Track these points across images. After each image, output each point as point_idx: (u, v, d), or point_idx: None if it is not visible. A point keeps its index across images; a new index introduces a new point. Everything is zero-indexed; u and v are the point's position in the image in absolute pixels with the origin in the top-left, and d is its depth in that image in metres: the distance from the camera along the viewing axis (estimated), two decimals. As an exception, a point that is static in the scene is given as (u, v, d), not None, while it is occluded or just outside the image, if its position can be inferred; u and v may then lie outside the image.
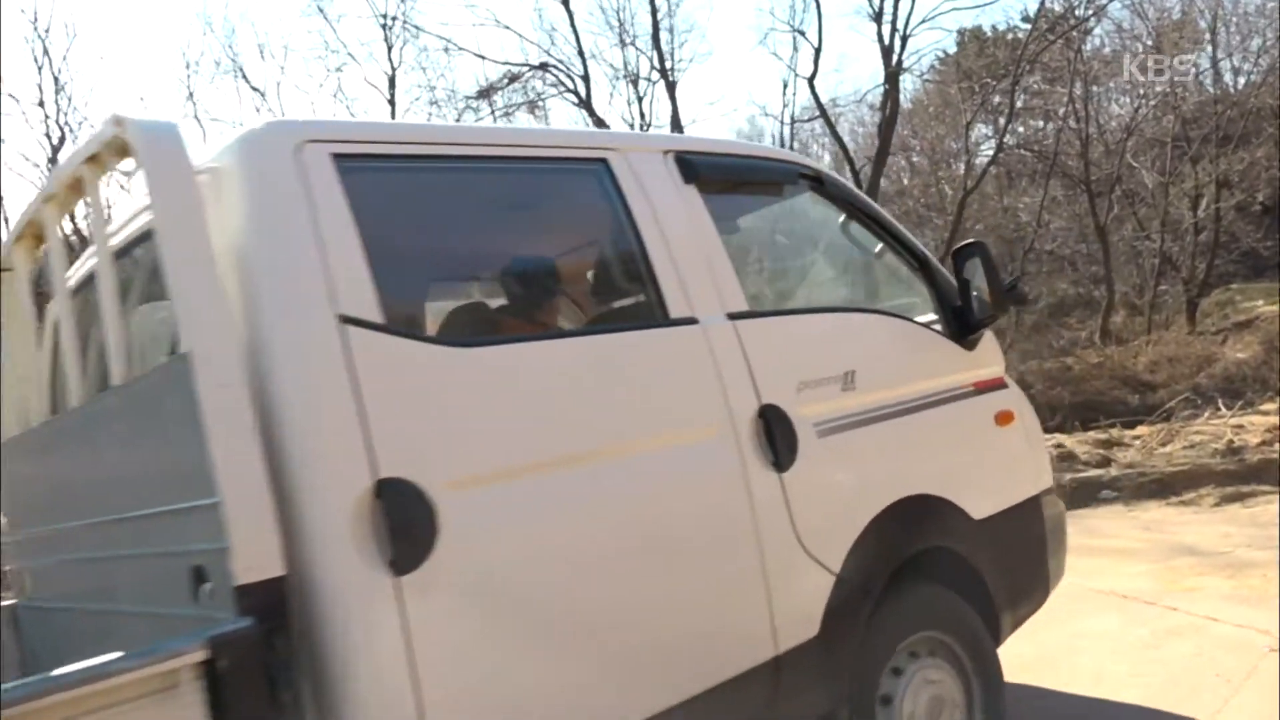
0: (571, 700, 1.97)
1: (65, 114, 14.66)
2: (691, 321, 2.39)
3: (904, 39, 14.65)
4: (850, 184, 3.14)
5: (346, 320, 1.82)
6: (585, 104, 15.00)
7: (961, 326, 3.12)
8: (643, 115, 15.95)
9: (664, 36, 15.48)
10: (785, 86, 17.88)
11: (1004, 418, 3.20)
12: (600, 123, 15.14)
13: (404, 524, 1.77)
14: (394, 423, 1.80)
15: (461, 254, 2.65)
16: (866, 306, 3.08)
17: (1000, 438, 3.17)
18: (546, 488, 2.01)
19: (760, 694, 2.33)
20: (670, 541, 2.20)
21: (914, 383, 2.92)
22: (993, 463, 3.13)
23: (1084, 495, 7.47)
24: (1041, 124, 18.52)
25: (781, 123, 16.24)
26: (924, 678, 2.73)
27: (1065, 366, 12.58)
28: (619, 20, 15.89)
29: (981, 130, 18.37)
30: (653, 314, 2.38)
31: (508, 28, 16.09)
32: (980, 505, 2.98)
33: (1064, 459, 8.19)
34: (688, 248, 2.47)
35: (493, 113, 14.92)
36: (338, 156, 1.96)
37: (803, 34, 15.49)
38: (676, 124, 15.01)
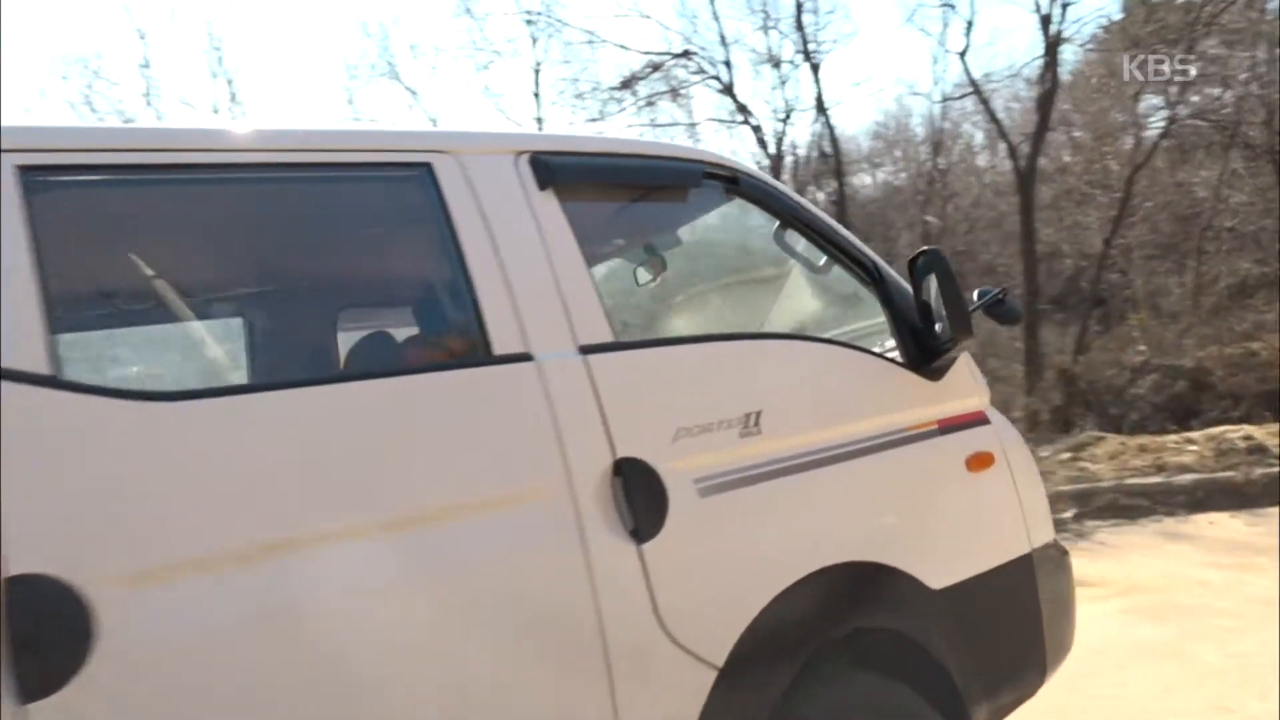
0: None
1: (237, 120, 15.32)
2: (523, 358, 1.96)
3: (1064, 6, 13.93)
4: (780, 183, 2.63)
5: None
6: (728, 90, 14.84)
7: (921, 352, 2.59)
8: (785, 100, 15.78)
9: (807, 18, 15.27)
10: (935, 63, 17.32)
11: (979, 460, 2.64)
12: (743, 109, 14.92)
13: (42, 634, 1.39)
14: (40, 501, 1.43)
15: (204, 287, 2.25)
16: (785, 332, 2.58)
17: (973, 485, 2.62)
18: (258, 582, 1.59)
19: None
20: (473, 643, 1.77)
21: (849, 423, 2.41)
22: (960, 517, 2.58)
23: (1276, 491, 6.82)
24: (1219, 92, 17.12)
25: (931, 101, 15.63)
26: None
27: (1250, 352, 11.69)
28: (762, 4, 15.63)
29: (1151, 101, 17.08)
30: (473, 351, 1.95)
31: (649, 17, 16.09)
32: (941, 571, 2.45)
33: (1253, 452, 7.52)
34: (529, 267, 2.04)
35: (635, 103, 14.99)
36: (25, 169, 1.60)
37: (953, 7, 14.96)
38: (820, 107, 14.76)
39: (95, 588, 1.43)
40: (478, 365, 1.93)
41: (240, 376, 2.21)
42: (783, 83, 15.65)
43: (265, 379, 2.00)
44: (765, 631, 2.08)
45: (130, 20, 29.02)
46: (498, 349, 1.94)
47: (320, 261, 2.29)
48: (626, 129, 15.24)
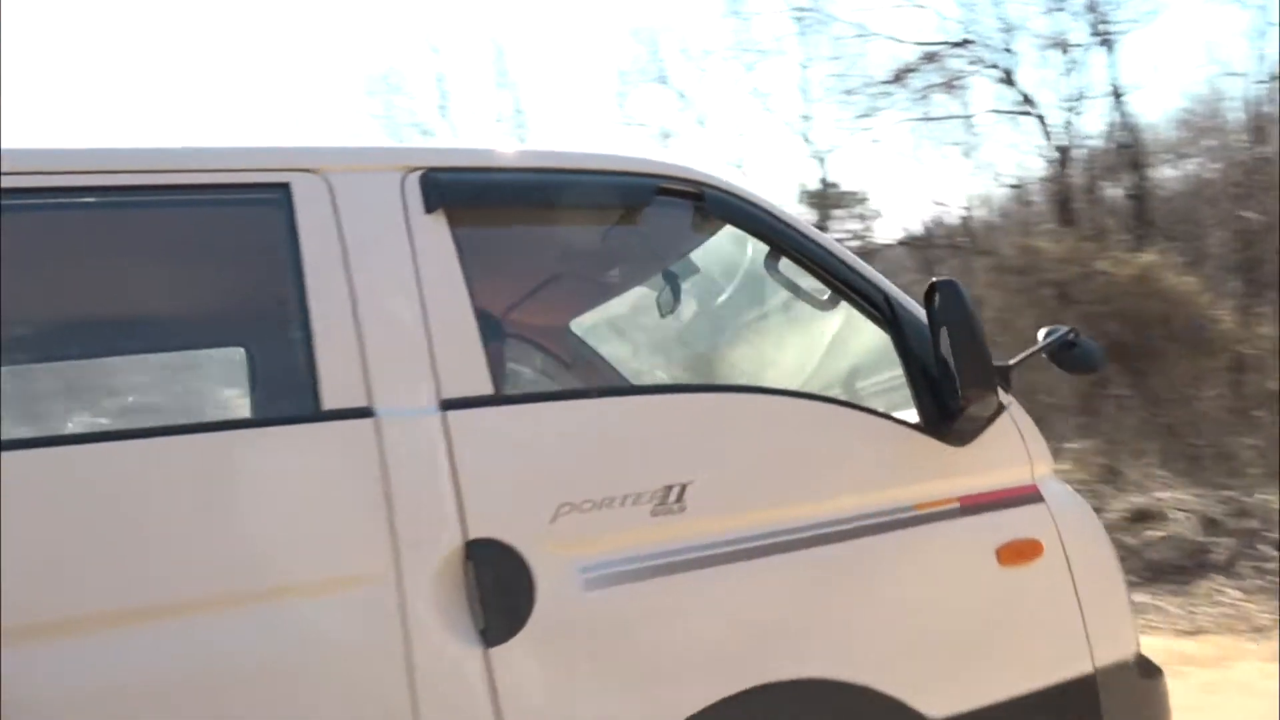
0: None
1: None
2: (360, 413, 1.63)
3: None
4: (767, 199, 2.16)
5: None
6: (1008, 78, 14.21)
7: (940, 411, 2.06)
8: (1075, 87, 14.87)
9: (1101, -3, 14.14)
10: (1255, 39, 15.73)
11: (1019, 551, 2.06)
12: (1027, 99, 14.24)
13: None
14: None
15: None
16: (736, 383, 2.11)
17: (1007, 582, 2.04)
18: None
19: None
20: None
21: (824, 498, 1.92)
22: (983, 623, 2.00)
23: None
24: None
25: (1250, 82, 14.18)
26: None
27: None
28: (1049, -17, 14.76)
29: None
30: (301, 403, 1.64)
31: (923, 6, 15.58)
32: (946, 695, 1.91)
33: None
34: (389, 305, 1.71)
35: (908, 97, 14.60)
36: None
37: (1279, -26, 13.38)
38: (1116, 93, 13.86)
39: None
40: (300, 421, 1.62)
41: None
42: (1072, 69, 14.64)
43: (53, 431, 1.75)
44: None
45: (424, 36, 31.81)
46: (329, 402, 1.62)
47: (143, 295, 2.05)
48: (897, 124, 14.59)
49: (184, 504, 1.50)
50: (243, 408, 1.93)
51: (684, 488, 1.77)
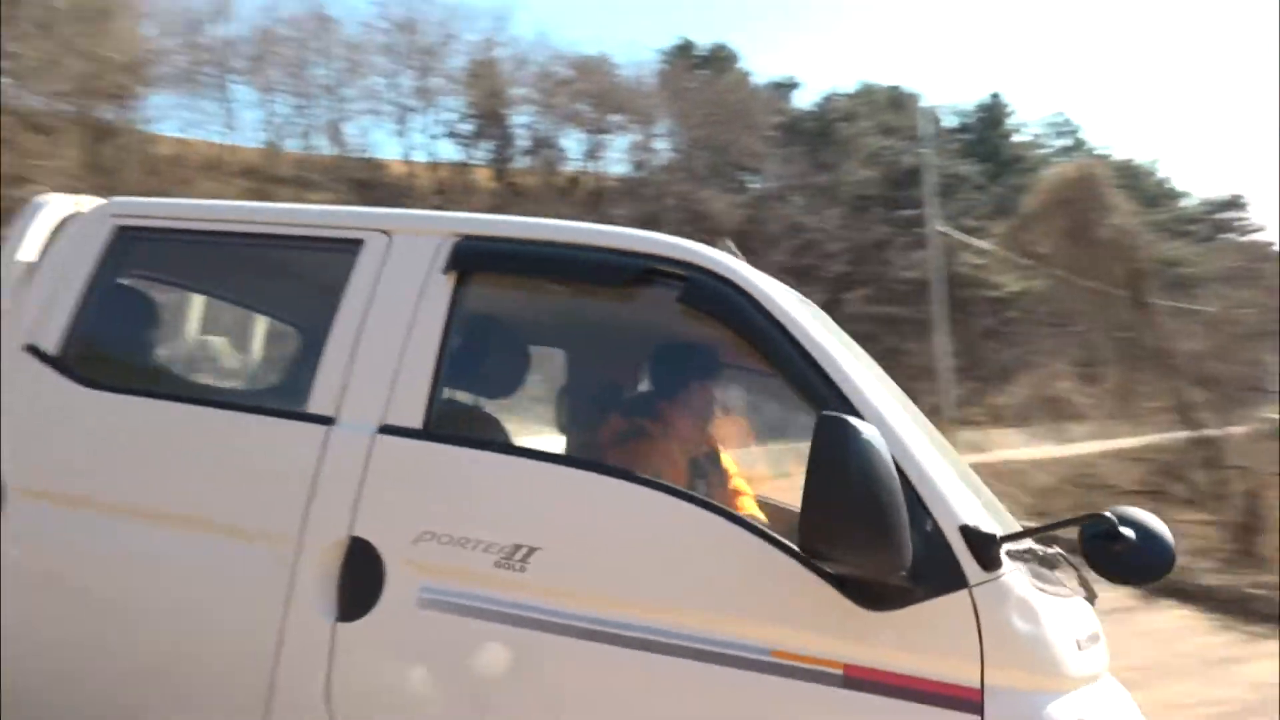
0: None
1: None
2: (325, 420, 2.24)
3: None
4: (764, 291, 2.17)
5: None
6: None
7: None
8: None
9: None
10: None
11: None
12: None
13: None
14: None
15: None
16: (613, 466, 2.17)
17: None
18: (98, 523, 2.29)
19: None
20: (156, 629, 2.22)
21: (661, 604, 2.00)
22: None
23: None
24: None
25: None
26: None
27: None
28: None
29: None
30: (298, 402, 2.30)
31: None
32: None
33: None
34: (381, 343, 2.28)
35: None
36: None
37: None
38: None
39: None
40: (290, 416, 2.29)
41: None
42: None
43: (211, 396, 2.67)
44: None
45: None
46: (311, 407, 2.27)
47: (282, 313, 2.86)
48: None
49: (195, 451, 2.28)
50: (270, 397, 2.66)
51: (531, 550, 2.06)
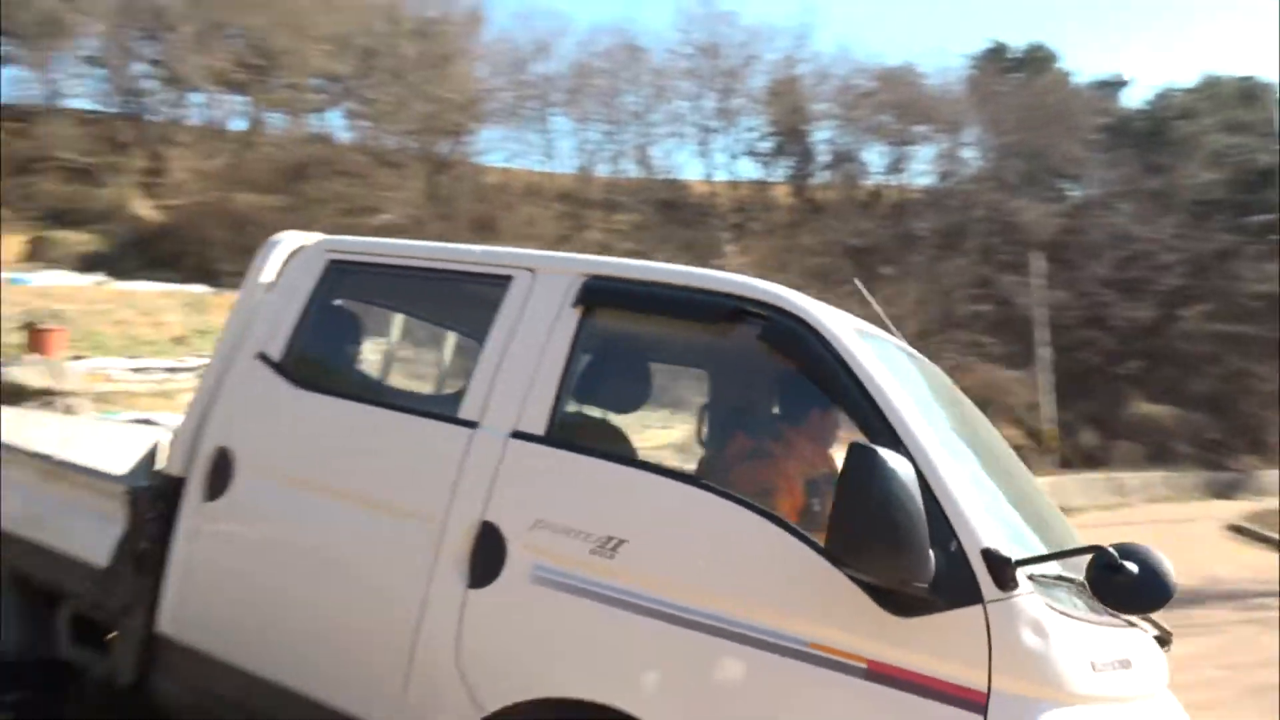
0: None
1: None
2: (471, 424, 2.72)
3: None
4: (852, 345, 2.38)
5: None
6: None
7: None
8: None
9: None
10: None
11: None
12: None
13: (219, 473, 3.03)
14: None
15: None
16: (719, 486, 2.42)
17: None
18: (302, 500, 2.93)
19: None
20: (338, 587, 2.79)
21: (724, 601, 2.29)
22: None
23: None
24: None
25: None
26: None
27: None
28: None
29: None
30: (453, 409, 2.79)
31: None
32: None
33: None
34: (519, 364, 2.73)
35: None
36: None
37: None
38: None
39: (240, 462, 3.02)
40: (446, 419, 2.79)
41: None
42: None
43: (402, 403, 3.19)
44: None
45: None
46: (462, 413, 2.76)
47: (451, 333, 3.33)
48: None
49: (372, 444, 2.84)
50: (436, 402, 3.13)
51: (620, 542, 2.42)
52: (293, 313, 3.17)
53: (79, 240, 26.90)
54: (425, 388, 3.65)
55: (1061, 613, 2.13)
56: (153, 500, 3.05)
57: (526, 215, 31.92)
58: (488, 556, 2.57)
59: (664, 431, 3.63)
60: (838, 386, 2.40)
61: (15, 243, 25.66)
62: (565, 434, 2.65)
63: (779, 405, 3.06)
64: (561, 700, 2.40)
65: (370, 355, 3.54)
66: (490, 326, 2.85)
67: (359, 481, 2.83)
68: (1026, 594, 2.10)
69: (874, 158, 38.37)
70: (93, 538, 3.13)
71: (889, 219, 36.51)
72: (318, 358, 3.25)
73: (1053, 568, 2.24)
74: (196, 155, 30.76)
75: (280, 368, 3.07)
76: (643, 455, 2.76)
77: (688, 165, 58.42)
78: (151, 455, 3.21)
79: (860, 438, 2.26)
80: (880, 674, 2.12)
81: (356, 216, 28.86)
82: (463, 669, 2.53)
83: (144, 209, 28.63)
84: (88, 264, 24.81)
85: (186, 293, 23.52)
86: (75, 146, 29.07)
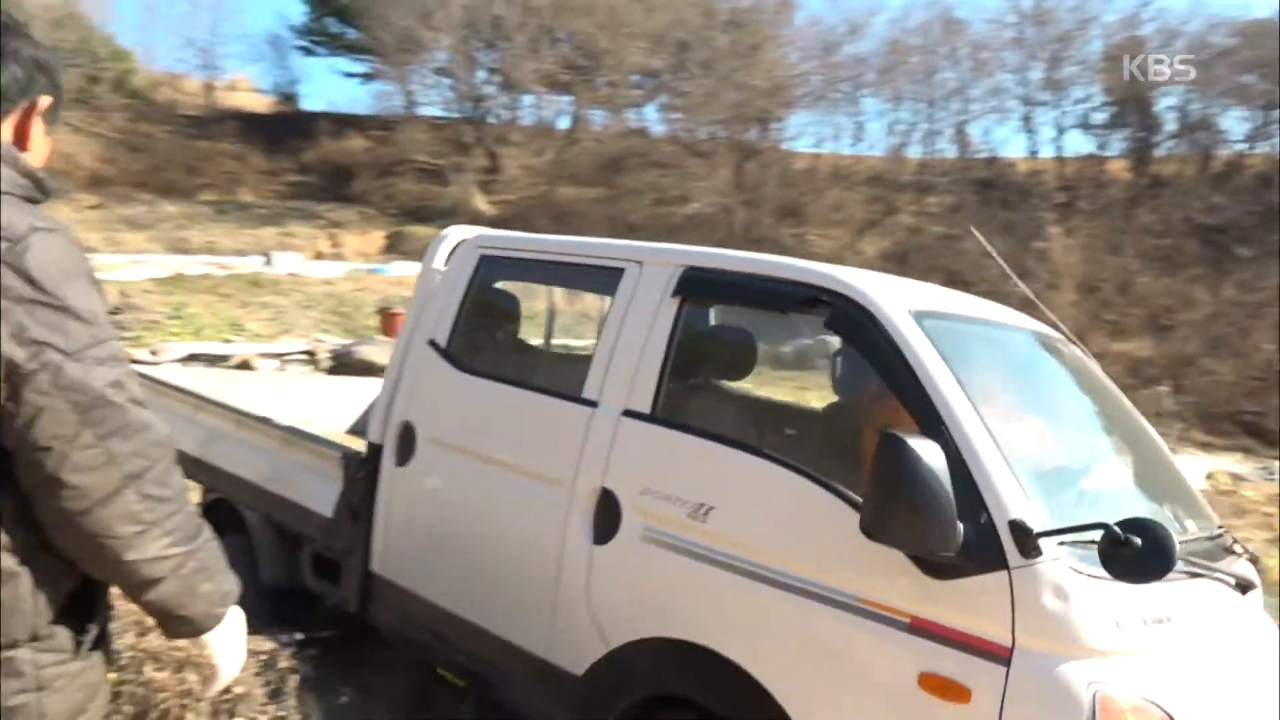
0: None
1: None
2: (591, 404, 3.22)
3: None
4: (905, 333, 2.60)
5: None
6: None
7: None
8: None
9: None
10: None
11: (942, 686, 2.34)
12: None
13: (405, 443, 3.76)
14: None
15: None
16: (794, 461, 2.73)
17: (917, 705, 2.37)
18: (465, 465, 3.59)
19: (525, 676, 3.21)
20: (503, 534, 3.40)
21: (793, 560, 2.66)
22: (879, 716, 2.43)
23: None
24: None
25: None
26: None
27: None
28: None
29: None
30: (577, 390, 3.30)
31: None
32: None
33: None
34: (628, 348, 3.20)
35: None
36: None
37: None
38: None
39: (420, 432, 3.73)
40: (574, 400, 3.30)
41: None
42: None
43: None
44: (626, 656, 2.91)
45: None
46: (584, 394, 3.27)
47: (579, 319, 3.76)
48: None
49: (518, 419, 3.42)
50: (568, 384, 3.49)
51: (710, 508, 2.83)
52: (454, 303, 3.79)
53: (429, 234, 30.39)
54: (560, 369, 4.13)
55: (1089, 575, 2.29)
56: (360, 464, 3.83)
57: (834, 200, 31.84)
58: (607, 518, 3.07)
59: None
60: (888, 369, 2.67)
61: (377, 238, 29.62)
62: (668, 412, 3.08)
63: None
64: (666, 640, 2.87)
65: (516, 339, 4.10)
66: (606, 314, 3.34)
67: (509, 452, 3.44)
68: (1050, 560, 2.29)
69: (1232, 124, 34.22)
70: (321, 493, 3.94)
71: (1248, 193, 32.55)
72: (474, 344, 3.84)
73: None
74: (527, 153, 33.68)
75: (446, 354, 3.72)
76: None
77: (1009, 142, 55.06)
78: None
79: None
80: (920, 628, 2.41)
81: (668, 206, 30.31)
82: (592, 612, 3.07)
83: (482, 204, 31.74)
84: (434, 255, 28.16)
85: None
86: (427, 150, 32.91)
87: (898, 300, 2.81)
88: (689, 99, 33.78)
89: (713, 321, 3.46)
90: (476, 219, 31.36)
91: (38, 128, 1.58)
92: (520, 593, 3.28)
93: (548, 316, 4.44)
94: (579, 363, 3.48)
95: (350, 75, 40.61)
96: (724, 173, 32.22)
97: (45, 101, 1.58)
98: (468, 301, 3.78)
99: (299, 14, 41.32)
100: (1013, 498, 2.36)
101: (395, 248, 28.79)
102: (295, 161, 33.00)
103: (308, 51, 39.03)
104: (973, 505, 2.34)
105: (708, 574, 2.80)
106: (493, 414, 3.55)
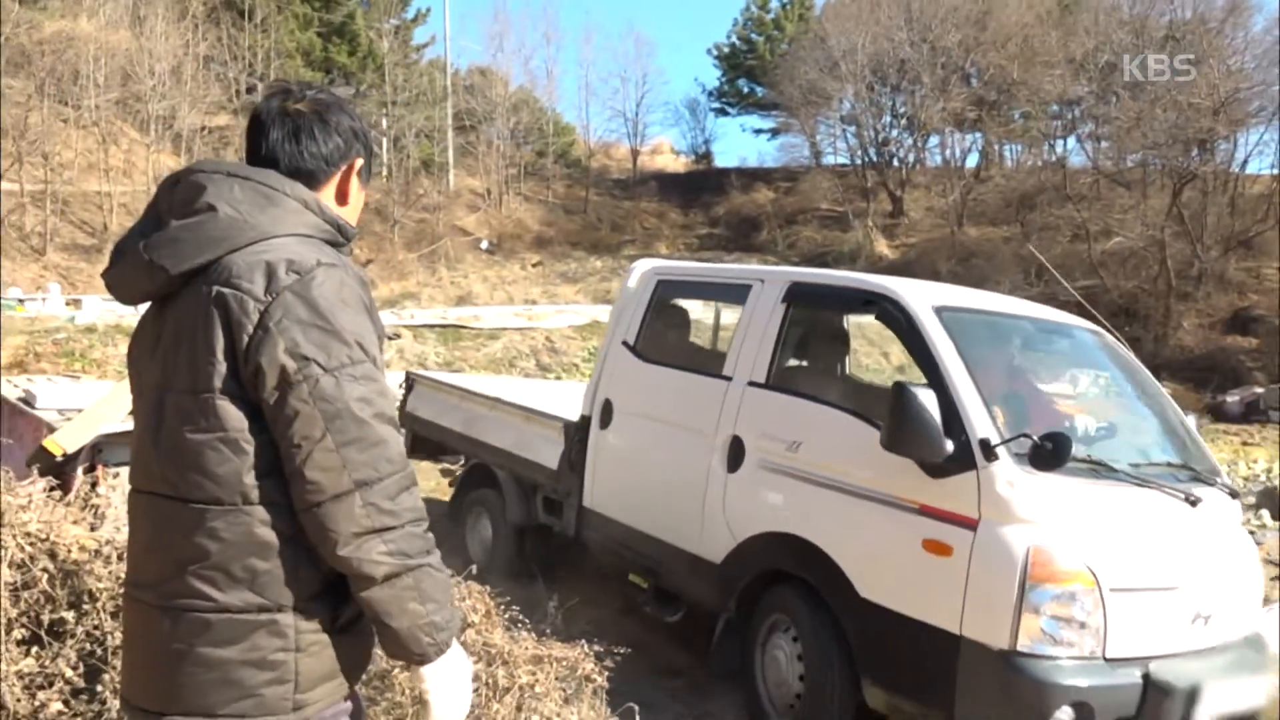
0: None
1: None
2: (727, 379, 4.48)
3: None
4: (930, 322, 3.81)
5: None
6: None
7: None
8: None
9: None
10: None
11: (936, 546, 3.57)
12: None
13: (606, 413, 5.20)
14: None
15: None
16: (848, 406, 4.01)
17: (921, 559, 3.59)
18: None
19: (683, 567, 4.49)
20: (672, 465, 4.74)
21: (847, 473, 3.87)
22: (903, 568, 3.66)
23: None
24: None
25: None
26: (777, 638, 4.17)
27: None
28: None
29: None
30: (719, 369, 4.61)
31: None
32: (871, 587, 3.74)
33: None
34: (752, 338, 4.50)
35: None
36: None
37: None
38: None
39: (616, 403, 5.16)
40: (716, 376, 4.59)
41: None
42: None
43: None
44: (763, 541, 4.19)
45: None
46: (723, 371, 4.59)
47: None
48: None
49: (683, 392, 4.71)
50: (714, 366, 4.69)
51: (799, 444, 4.02)
52: (639, 312, 5.28)
53: (830, 280, 32.00)
54: (710, 357, 5.42)
55: (1027, 471, 3.39)
56: (576, 430, 5.41)
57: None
58: (736, 454, 4.37)
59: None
60: (912, 344, 3.87)
61: (780, 285, 31.71)
62: (776, 382, 4.38)
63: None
64: (772, 533, 4.16)
65: (682, 338, 5.48)
66: (740, 316, 4.65)
67: (674, 414, 4.85)
68: (1004, 462, 3.42)
69: None
70: (550, 453, 5.58)
71: None
72: (653, 342, 5.29)
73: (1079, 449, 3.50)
74: (930, 195, 34.13)
75: (634, 350, 5.21)
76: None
77: None
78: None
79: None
80: (925, 511, 3.63)
81: (1084, 242, 29.11)
82: (727, 518, 4.40)
83: (884, 248, 32.72)
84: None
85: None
86: (829, 197, 34.63)
87: (924, 298, 3.97)
88: (1115, 125, 32.19)
89: (809, 320, 4.69)
90: (876, 264, 32.33)
91: (354, 184, 1.83)
92: (681, 510, 4.60)
93: (706, 318, 5.90)
94: (723, 351, 4.80)
95: (759, 131, 43.69)
96: (1155, 203, 30.22)
97: (359, 162, 1.83)
98: (649, 312, 5.28)
99: (714, 78, 45.42)
100: (982, 425, 3.53)
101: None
102: (707, 215, 36.32)
103: (721, 112, 42.93)
104: (958, 429, 3.52)
105: (797, 487, 4.07)
106: (664, 390, 5.00)
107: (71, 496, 3.41)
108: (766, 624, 4.19)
